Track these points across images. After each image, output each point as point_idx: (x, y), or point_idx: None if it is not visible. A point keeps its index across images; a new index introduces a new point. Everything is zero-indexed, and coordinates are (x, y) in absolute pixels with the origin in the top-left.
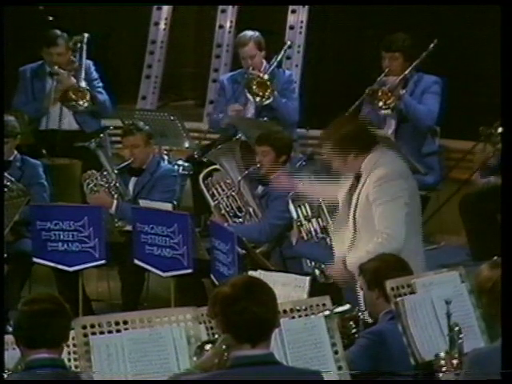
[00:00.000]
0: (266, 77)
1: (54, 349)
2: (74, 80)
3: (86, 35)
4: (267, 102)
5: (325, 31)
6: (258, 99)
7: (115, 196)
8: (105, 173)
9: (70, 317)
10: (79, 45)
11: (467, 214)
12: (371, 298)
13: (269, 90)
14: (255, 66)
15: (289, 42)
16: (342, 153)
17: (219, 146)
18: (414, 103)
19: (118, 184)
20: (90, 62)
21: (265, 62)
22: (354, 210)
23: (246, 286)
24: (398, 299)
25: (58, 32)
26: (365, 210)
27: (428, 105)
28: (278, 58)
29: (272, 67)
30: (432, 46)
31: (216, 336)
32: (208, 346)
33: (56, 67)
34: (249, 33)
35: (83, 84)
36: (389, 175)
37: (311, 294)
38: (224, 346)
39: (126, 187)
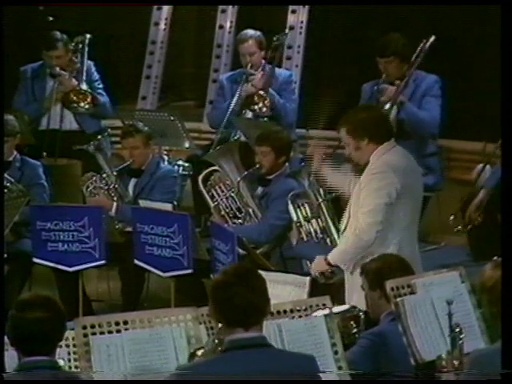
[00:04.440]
0: (261, 92)
1: (49, 352)
2: (75, 81)
3: (88, 36)
4: (265, 110)
5: (325, 31)
6: (256, 108)
7: (115, 198)
8: (104, 175)
9: (65, 318)
10: (80, 45)
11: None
12: (373, 298)
13: (267, 101)
14: (254, 64)
15: (286, 31)
16: (355, 138)
17: (218, 147)
18: (415, 111)
19: (117, 186)
20: (91, 63)
21: (264, 62)
22: (351, 197)
23: (237, 272)
24: (398, 299)
25: (58, 34)
26: (356, 197)
27: (430, 110)
28: (276, 44)
29: (272, 67)
30: (428, 44)
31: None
32: (200, 352)
33: (57, 69)
34: (250, 31)
35: (84, 86)
36: (380, 167)
37: (311, 294)
38: (217, 341)
39: (126, 189)
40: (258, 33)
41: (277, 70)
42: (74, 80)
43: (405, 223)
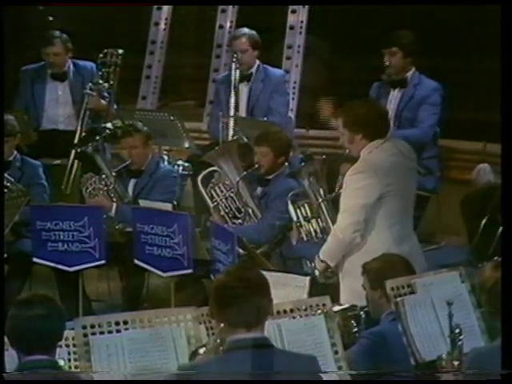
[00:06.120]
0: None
1: (49, 351)
2: (103, 102)
3: (120, 51)
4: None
5: (325, 31)
6: None
7: (114, 199)
8: (103, 176)
9: (64, 316)
10: (112, 67)
11: (468, 213)
12: (374, 297)
13: None
14: (244, 62)
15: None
16: (351, 132)
17: (216, 148)
18: (404, 135)
19: (116, 186)
20: (93, 65)
21: (258, 62)
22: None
23: (240, 273)
24: (398, 299)
25: (57, 32)
26: (343, 195)
27: (424, 120)
28: None
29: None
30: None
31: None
32: (202, 350)
33: (88, 87)
34: (245, 29)
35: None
36: (362, 166)
37: (311, 294)
38: (219, 340)
39: (126, 189)
40: (253, 32)
41: (270, 69)
42: (102, 101)
43: (390, 222)
